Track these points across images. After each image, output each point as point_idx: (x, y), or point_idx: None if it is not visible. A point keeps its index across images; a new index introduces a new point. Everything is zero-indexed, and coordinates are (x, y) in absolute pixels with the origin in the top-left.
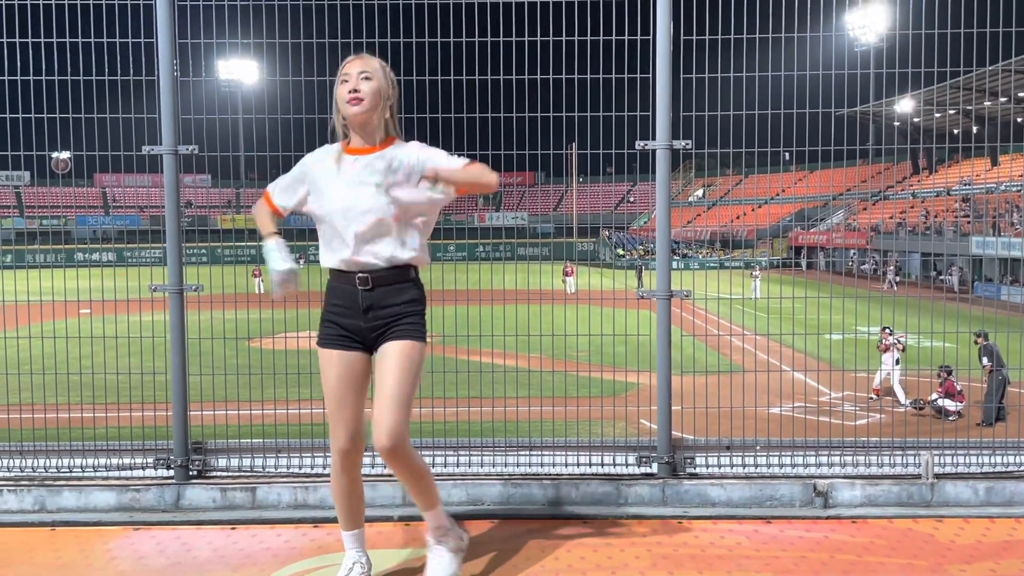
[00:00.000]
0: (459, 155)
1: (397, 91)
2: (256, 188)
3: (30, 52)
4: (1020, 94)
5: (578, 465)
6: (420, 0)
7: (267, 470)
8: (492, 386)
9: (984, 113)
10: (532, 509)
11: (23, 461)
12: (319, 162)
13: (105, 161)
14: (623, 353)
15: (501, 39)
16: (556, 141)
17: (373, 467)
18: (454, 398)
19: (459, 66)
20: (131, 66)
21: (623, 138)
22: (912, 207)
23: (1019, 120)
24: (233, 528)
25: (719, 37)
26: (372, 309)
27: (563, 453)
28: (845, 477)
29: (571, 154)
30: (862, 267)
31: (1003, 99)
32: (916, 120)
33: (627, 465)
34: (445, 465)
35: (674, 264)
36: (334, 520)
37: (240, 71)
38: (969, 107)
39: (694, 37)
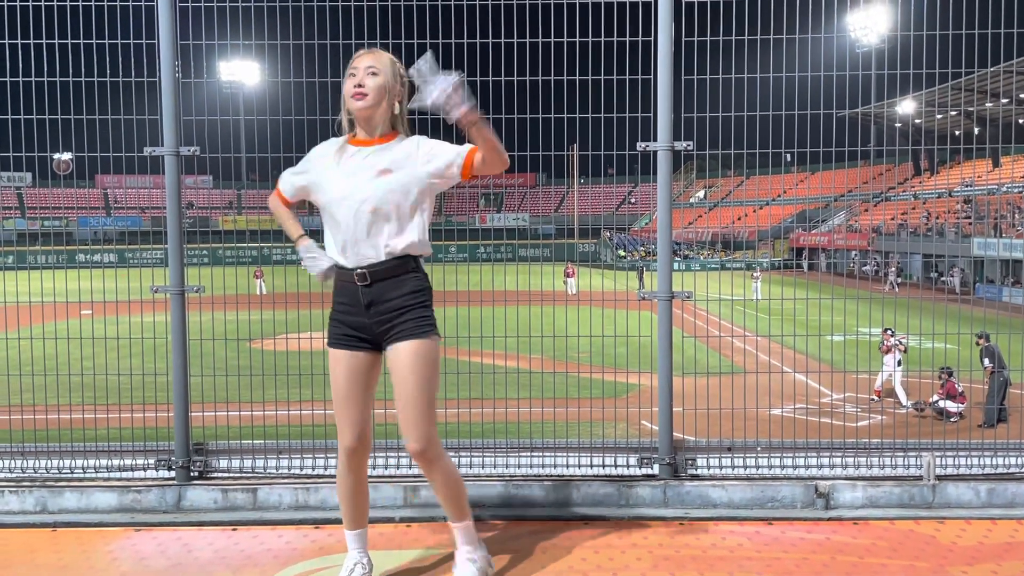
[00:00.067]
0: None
1: (408, 88)
2: (258, 189)
3: (31, 53)
4: (1022, 95)
5: (579, 466)
6: (422, 1)
7: (268, 471)
8: (493, 387)
9: (986, 114)
10: (533, 510)
11: (25, 462)
12: (323, 155)
13: (107, 162)
14: (624, 354)
15: (503, 40)
16: (557, 142)
17: (374, 468)
18: (455, 399)
19: (460, 67)
20: (132, 67)
21: (624, 139)
22: (914, 208)
23: (1021, 121)
24: (234, 529)
25: (720, 38)
26: (374, 304)
27: (564, 454)
28: (847, 478)
29: (572, 155)
30: (863, 268)
31: (1005, 100)
32: (918, 121)
33: (628, 466)
34: None
35: (675, 265)
36: (335, 521)
37: (241, 72)
38: (971, 108)
39: (695, 38)
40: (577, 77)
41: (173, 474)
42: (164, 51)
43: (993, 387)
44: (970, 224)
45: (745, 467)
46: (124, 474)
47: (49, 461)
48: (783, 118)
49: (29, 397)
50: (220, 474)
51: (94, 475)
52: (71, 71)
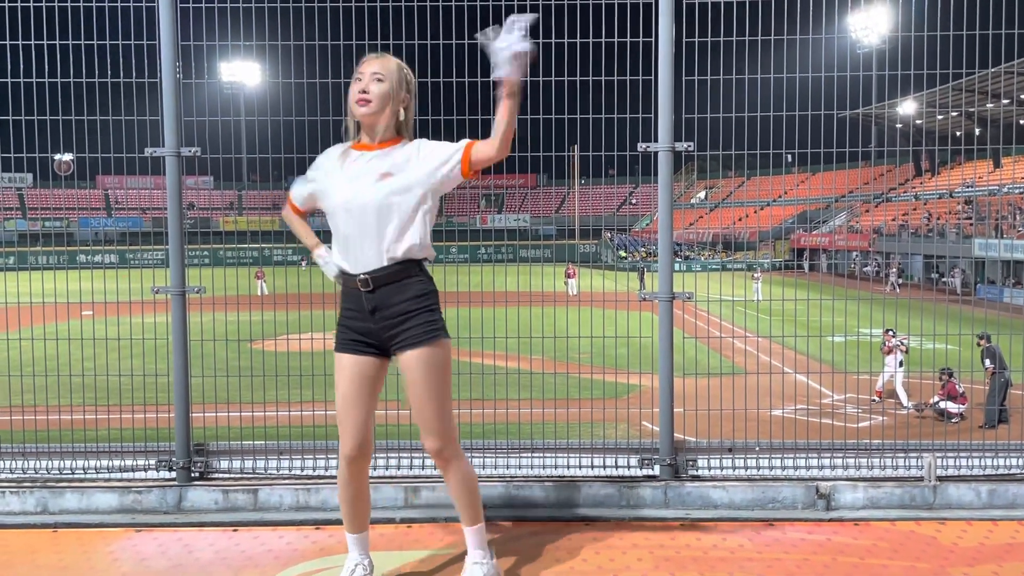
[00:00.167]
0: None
1: (414, 93)
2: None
3: (32, 54)
4: (1022, 96)
5: (580, 467)
6: (423, 2)
7: (269, 472)
8: (494, 388)
9: (987, 115)
10: (534, 511)
11: (25, 463)
12: (328, 160)
13: (107, 163)
14: (625, 355)
15: None
16: (558, 143)
17: (375, 469)
18: (456, 400)
19: (461, 68)
20: (134, 68)
21: (625, 140)
22: (915, 209)
23: (1021, 122)
24: (235, 530)
25: (721, 39)
26: (379, 310)
27: (565, 455)
28: (847, 479)
29: (573, 156)
30: (864, 269)
31: (1006, 101)
32: (918, 122)
33: (629, 467)
34: None
35: (676, 266)
36: (336, 522)
37: (242, 73)
38: (971, 109)
39: (696, 39)
40: (578, 78)
41: (174, 475)
42: (165, 52)
43: (994, 388)
44: (971, 225)
45: (746, 468)
46: (125, 475)
47: (50, 462)
48: (784, 119)
49: (30, 398)
50: (221, 475)
51: (95, 476)
52: (72, 72)
